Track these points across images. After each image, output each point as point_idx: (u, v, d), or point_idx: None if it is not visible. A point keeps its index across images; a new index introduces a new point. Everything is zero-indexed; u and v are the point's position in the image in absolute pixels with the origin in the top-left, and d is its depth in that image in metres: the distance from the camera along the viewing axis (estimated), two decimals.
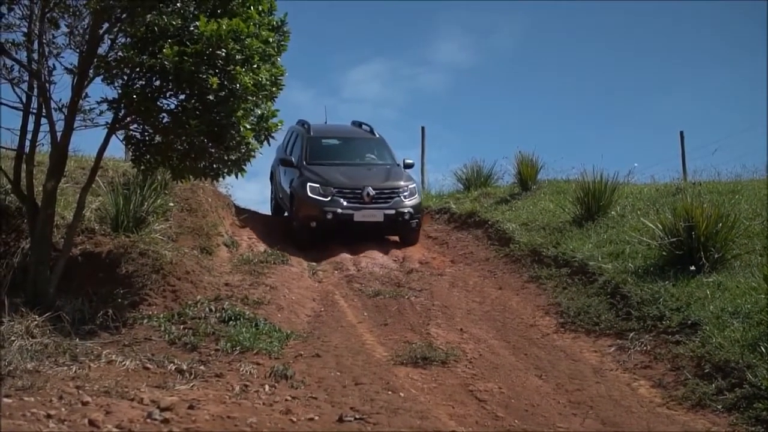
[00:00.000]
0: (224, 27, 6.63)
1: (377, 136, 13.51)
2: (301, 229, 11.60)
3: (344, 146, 13.30)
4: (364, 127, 13.90)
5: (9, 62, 7.05)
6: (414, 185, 12.03)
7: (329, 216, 11.24)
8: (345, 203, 11.36)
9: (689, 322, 6.55)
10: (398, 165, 12.69)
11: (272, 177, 14.61)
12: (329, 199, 11.39)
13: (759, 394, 5.20)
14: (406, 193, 11.74)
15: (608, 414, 5.42)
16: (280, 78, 7.43)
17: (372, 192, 11.50)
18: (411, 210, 11.55)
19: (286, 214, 12.98)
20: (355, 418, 4.88)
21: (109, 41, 7.20)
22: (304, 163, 12.26)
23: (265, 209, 14.71)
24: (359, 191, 11.49)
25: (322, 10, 42.59)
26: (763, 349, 5.59)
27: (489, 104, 43.07)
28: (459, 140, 38.57)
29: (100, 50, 7.15)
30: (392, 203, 11.53)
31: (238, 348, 6.47)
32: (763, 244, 7.88)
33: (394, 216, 11.44)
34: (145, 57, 6.82)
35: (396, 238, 12.01)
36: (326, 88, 44.27)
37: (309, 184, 11.60)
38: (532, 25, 42.21)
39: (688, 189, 10.69)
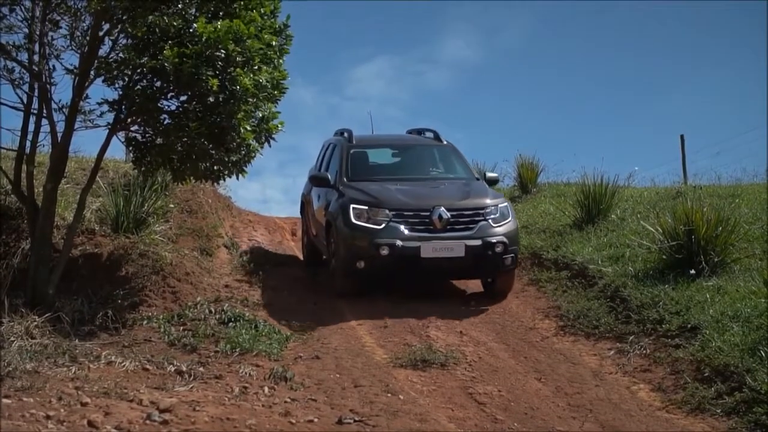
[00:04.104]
0: (222, 28, 6.64)
1: (445, 142, 10.14)
2: (343, 272, 8.33)
3: (400, 157, 10.06)
4: (426, 134, 10.55)
5: (10, 63, 7.06)
6: (505, 204, 8.67)
7: (384, 251, 7.91)
8: (407, 232, 8.06)
9: (689, 325, 6.55)
10: (478, 179, 9.46)
11: (303, 209, 11.01)
12: (383, 226, 8.09)
13: (758, 398, 5.20)
14: (495, 216, 8.36)
15: (607, 417, 5.42)
16: (282, 81, 7.43)
17: (446, 215, 8.11)
18: (504, 240, 8.16)
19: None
20: (355, 421, 4.88)
21: (110, 42, 7.21)
22: (345, 180, 9.03)
23: (266, 210, 14.38)
24: (427, 213, 8.14)
25: (327, 7, 42.63)
26: (762, 353, 5.59)
27: (494, 103, 43.12)
28: (464, 139, 38.51)
29: (101, 51, 7.17)
30: (476, 230, 8.16)
31: (237, 349, 6.47)
32: (762, 249, 7.88)
33: (480, 249, 8.06)
34: (145, 58, 6.84)
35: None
36: (330, 86, 44.27)
37: (353, 206, 8.29)
38: (539, 25, 42.28)
39: (688, 192, 10.69)
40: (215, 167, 7.45)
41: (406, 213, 8.19)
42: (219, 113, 6.92)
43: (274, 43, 7.21)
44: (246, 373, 5.92)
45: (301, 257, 10.86)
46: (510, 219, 8.51)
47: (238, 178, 7.63)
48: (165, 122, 7.27)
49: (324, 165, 10.25)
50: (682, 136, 15.63)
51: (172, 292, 7.78)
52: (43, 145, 7.68)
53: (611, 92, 40.37)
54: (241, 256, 9.92)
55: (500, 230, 8.27)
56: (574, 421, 5.36)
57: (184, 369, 5.90)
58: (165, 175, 8.87)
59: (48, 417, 4.36)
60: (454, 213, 8.20)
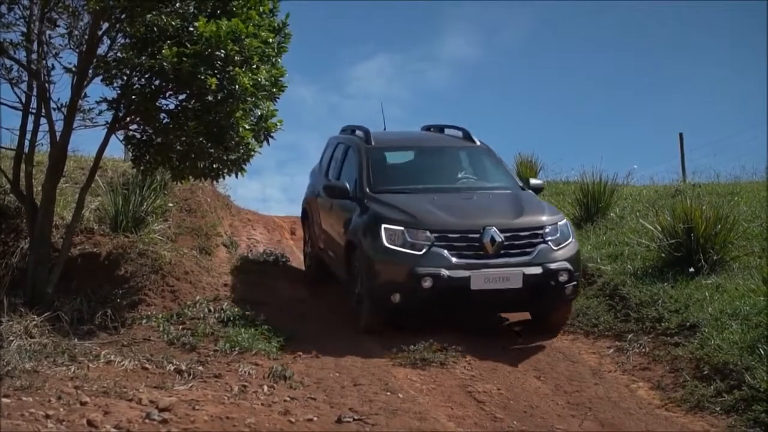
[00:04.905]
0: (223, 28, 6.64)
1: (478, 143, 8.59)
2: (372, 306, 7.02)
3: (429, 162, 8.39)
4: (449, 132, 9.08)
5: (8, 62, 7.06)
6: (565, 222, 7.30)
7: (427, 283, 6.62)
8: (454, 259, 6.75)
9: (688, 323, 6.56)
10: (523, 189, 8.01)
11: (306, 216, 9.78)
12: (424, 252, 6.77)
13: (757, 396, 5.21)
14: (555, 236, 7.02)
15: (607, 415, 5.43)
16: (280, 79, 7.43)
17: (499, 237, 6.79)
18: (568, 266, 6.87)
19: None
20: (354, 419, 4.89)
21: (109, 41, 7.21)
22: (368, 190, 7.63)
23: (266, 209, 14.21)
24: (476, 236, 6.81)
25: (327, 5, 42.55)
26: (761, 351, 5.60)
27: (494, 102, 43.07)
28: None
29: (100, 50, 7.16)
30: (535, 255, 6.85)
31: (236, 348, 6.46)
32: (761, 246, 7.89)
33: (540, 278, 6.77)
34: (144, 57, 6.83)
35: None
36: (330, 84, 44.15)
37: (385, 226, 6.94)
38: (539, 24, 42.31)
39: (687, 191, 10.69)
40: (214, 166, 7.45)
41: (451, 235, 6.82)
42: (217, 112, 6.92)
43: (271, 40, 7.20)
44: (245, 372, 5.92)
45: (300, 255, 10.85)
46: (571, 240, 7.15)
47: (237, 177, 7.63)
48: (164, 121, 7.27)
49: (335, 169, 8.84)
50: (680, 135, 15.67)
51: (171, 291, 7.77)
52: (42, 144, 7.68)
53: (611, 91, 40.38)
54: (241, 255, 9.92)
55: (562, 254, 6.94)
56: (573, 419, 5.36)
57: (184, 368, 5.89)
58: (164, 174, 8.86)
59: (47, 416, 4.36)
60: (509, 234, 6.85)
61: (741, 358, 5.66)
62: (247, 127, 7.13)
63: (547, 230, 7.02)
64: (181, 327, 7.07)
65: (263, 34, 7.08)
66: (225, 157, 7.32)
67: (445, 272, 6.64)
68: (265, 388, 5.57)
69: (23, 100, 7.21)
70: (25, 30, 6.99)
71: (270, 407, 5.07)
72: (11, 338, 5.96)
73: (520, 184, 8.16)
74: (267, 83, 7.16)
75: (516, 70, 43.01)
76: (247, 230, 11.72)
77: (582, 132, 35.26)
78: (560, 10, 40.36)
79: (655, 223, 8.33)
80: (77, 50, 7.13)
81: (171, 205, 9.69)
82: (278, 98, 7.57)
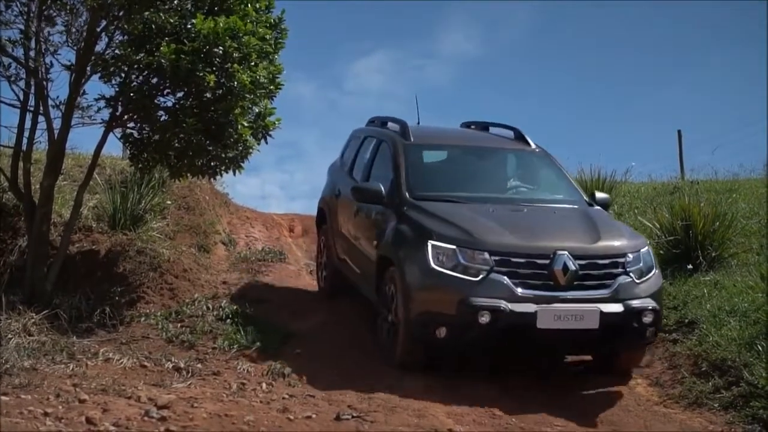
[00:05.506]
0: (221, 25, 6.64)
1: (532, 146, 7.30)
2: (409, 338, 5.79)
3: (480, 165, 7.11)
4: (495, 131, 7.83)
5: (6, 60, 7.05)
6: (647, 248, 6.05)
7: (484, 318, 5.40)
8: (519, 289, 5.49)
9: (686, 320, 6.57)
10: (590, 204, 6.73)
11: (323, 220, 8.55)
12: (481, 278, 5.53)
13: (756, 392, 5.22)
14: (638, 266, 5.79)
15: (605, 412, 5.43)
16: (278, 76, 7.43)
17: (573, 264, 5.54)
18: (654, 305, 5.65)
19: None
20: (353, 416, 4.88)
21: (107, 39, 7.20)
22: (407, 196, 6.42)
23: (265, 206, 14.17)
24: (545, 261, 5.55)
25: (326, 2, 42.64)
26: (759, 347, 5.60)
27: (493, 98, 43.26)
28: None
29: (98, 48, 7.15)
30: (614, 289, 5.60)
31: (235, 346, 6.47)
32: (760, 243, 7.90)
33: (620, 318, 5.54)
34: (142, 55, 6.82)
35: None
36: (329, 80, 44.30)
37: (432, 242, 5.71)
38: (538, 20, 42.47)
39: (685, 188, 10.71)
40: (212, 163, 7.44)
41: (515, 260, 5.55)
42: (216, 109, 6.92)
43: (268, 36, 7.20)
44: (244, 370, 5.92)
45: (298, 252, 10.85)
46: (655, 270, 5.92)
47: (234, 174, 7.63)
48: (161, 119, 7.26)
49: (362, 166, 7.63)
50: (679, 132, 15.70)
51: (170, 289, 7.77)
52: (40, 142, 7.67)
53: (609, 88, 40.56)
54: (239, 253, 9.92)
55: (645, 289, 5.70)
56: (571, 416, 5.36)
57: (182, 366, 5.90)
58: (162, 171, 8.86)
59: (46, 414, 4.36)
60: (584, 263, 5.59)
61: (739, 354, 5.66)
62: (245, 124, 7.12)
63: (629, 259, 5.74)
64: (179, 325, 7.06)
65: (260, 30, 7.07)
66: (223, 155, 7.31)
67: (506, 305, 5.41)
68: (264, 385, 5.57)
69: (21, 97, 7.20)
70: (23, 27, 6.97)
71: (269, 405, 5.07)
72: (10, 336, 5.95)
73: (586, 198, 6.85)
74: (265, 81, 7.15)
75: (515, 67, 43.17)
76: (246, 228, 11.71)
77: (580, 129, 35.40)
78: (559, 8, 40.54)
79: (653, 220, 8.34)
80: (75, 48, 7.12)
81: (169, 202, 9.69)
82: (275, 96, 7.57)
